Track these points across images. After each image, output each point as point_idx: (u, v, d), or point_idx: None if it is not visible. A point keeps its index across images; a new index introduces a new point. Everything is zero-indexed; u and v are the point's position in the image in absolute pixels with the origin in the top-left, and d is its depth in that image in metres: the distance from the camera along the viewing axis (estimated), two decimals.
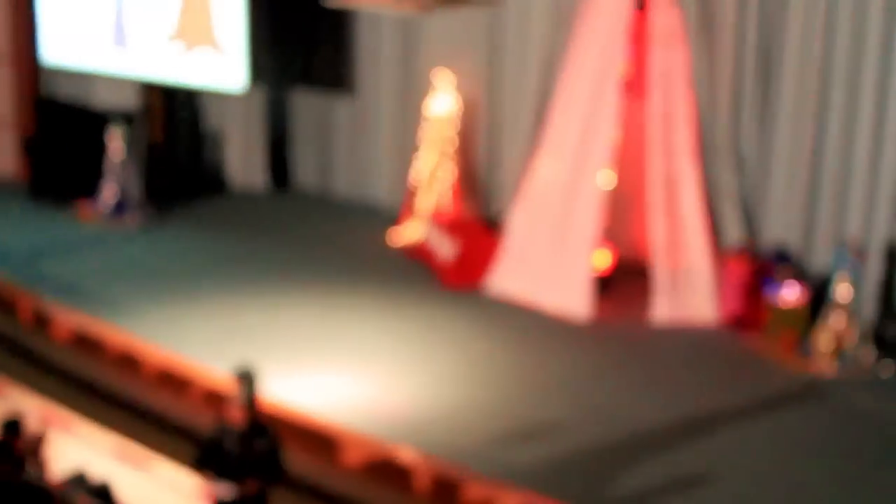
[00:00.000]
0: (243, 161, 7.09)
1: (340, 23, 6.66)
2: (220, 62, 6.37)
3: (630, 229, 5.62)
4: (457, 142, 6.12)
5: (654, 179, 5.38)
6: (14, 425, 3.47)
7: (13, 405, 4.38)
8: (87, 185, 6.60)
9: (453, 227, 5.92)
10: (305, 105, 7.01)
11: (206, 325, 5.16)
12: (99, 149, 6.52)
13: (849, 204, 5.22)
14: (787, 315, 5.12)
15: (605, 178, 5.40)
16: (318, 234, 6.42)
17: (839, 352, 4.98)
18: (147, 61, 6.63)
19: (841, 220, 5.25)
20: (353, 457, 4.32)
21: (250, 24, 6.29)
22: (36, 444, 3.49)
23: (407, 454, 4.20)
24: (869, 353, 4.99)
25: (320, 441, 4.37)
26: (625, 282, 5.57)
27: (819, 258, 5.31)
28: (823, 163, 5.28)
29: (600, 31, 5.35)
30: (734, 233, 5.46)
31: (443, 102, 6.13)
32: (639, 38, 5.36)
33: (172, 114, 7.08)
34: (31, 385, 4.85)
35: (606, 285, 5.52)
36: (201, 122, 7.16)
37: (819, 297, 5.09)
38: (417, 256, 5.98)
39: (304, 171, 7.09)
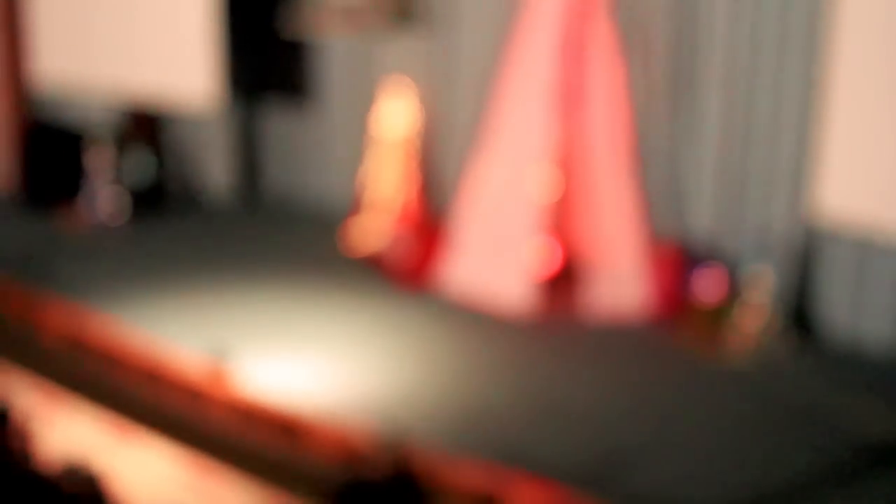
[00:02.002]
0: (216, 173, 6.98)
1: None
2: (191, 74, 6.31)
3: (576, 227, 5.59)
4: (419, 146, 6.05)
5: (594, 180, 5.33)
6: (2, 417, 3.34)
7: (1, 398, 4.28)
8: (73, 197, 6.50)
9: (414, 229, 5.84)
10: (272, 116, 6.90)
11: (188, 318, 5.11)
12: (84, 164, 6.43)
13: (774, 199, 5.18)
14: (709, 311, 5.05)
15: (544, 179, 5.35)
16: (287, 241, 6.29)
17: (759, 342, 4.93)
18: (125, 75, 6.55)
19: (767, 210, 5.20)
20: (319, 441, 4.29)
21: (221, 35, 6.24)
22: (25, 435, 3.36)
23: (369, 437, 4.16)
24: (788, 340, 4.97)
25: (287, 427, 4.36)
26: (572, 278, 5.51)
27: (745, 249, 5.25)
28: (748, 163, 5.23)
29: (536, 42, 5.31)
30: (665, 227, 5.42)
31: (403, 109, 6.05)
32: (578, 49, 5.33)
33: (150, 130, 6.96)
34: (20, 378, 4.74)
35: (554, 281, 5.45)
36: (176, 139, 7.06)
37: (741, 289, 5.04)
38: (376, 259, 5.89)
39: (274, 182, 6.98)
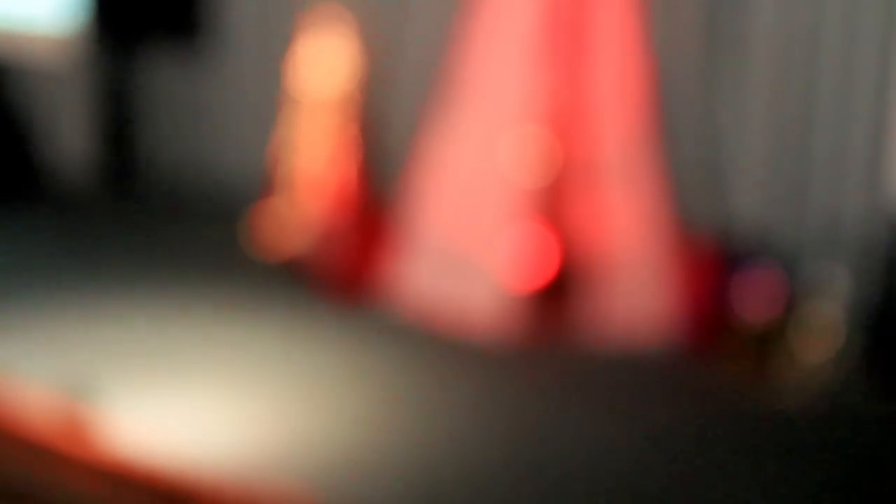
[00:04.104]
0: (74, 144, 7.00)
1: None
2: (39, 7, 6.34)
3: (575, 218, 5.52)
4: (358, 106, 6.07)
5: (601, 153, 5.30)
6: None
7: None
8: None
9: (352, 220, 5.88)
10: (153, 66, 6.92)
11: (34, 344, 5.00)
12: None
13: (845, 178, 5.19)
14: (757, 330, 5.07)
15: (532, 152, 5.31)
16: (172, 237, 6.37)
17: (826, 374, 4.91)
18: None
19: (835, 197, 5.21)
20: None
21: None
22: None
23: None
24: (866, 371, 4.91)
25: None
26: (570, 287, 5.45)
27: (808, 246, 5.26)
28: (813, 128, 5.26)
29: None
30: (699, 217, 5.42)
31: (336, 54, 6.03)
32: None
33: None
34: None
35: (546, 292, 5.42)
36: (17, 97, 7.04)
37: (801, 300, 5.05)
38: (298, 262, 5.92)
39: (152, 156, 7.03)
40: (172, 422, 4.47)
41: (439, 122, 5.55)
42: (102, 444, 4.21)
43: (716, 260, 5.29)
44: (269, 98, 6.36)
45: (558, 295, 5.43)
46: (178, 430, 4.42)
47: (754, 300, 5.09)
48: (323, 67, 6.04)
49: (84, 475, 4.16)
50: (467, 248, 5.42)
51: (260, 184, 6.37)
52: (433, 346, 5.22)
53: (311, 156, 6.07)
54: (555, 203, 5.45)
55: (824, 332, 4.95)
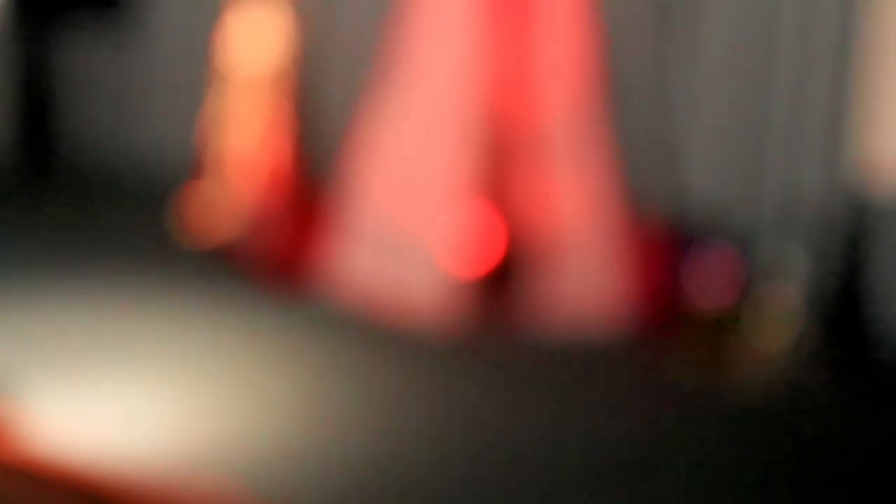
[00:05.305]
0: None
1: None
2: None
3: (521, 198, 5.51)
4: (292, 83, 6.03)
5: (547, 129, 5.30)
6: None
7: None
8: None
9: (286, 203, 5.87)
10: (71, 41, 6.87)
11: None
12: None
13: (803, 155, 5.20)
14: (712, 315, 5.08)
15: (475, 128, 5.30)
16: (94, 222, 6.33)
17: (785, 361, 4.92)
18: None
19: (793, 175, 5.21)
20: None
21: None
22: None
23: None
24: (827, 358, 4.94)
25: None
26: (515, 272, 5.47)
27: (764, 226, 5.26)
28: (769, 102, 5.25)
29: None
30: (651, 196, 5.41)
31: (269, 27, 5.99)
32: None
33: None
34: None
35: (490, 277, 5.43)
36: None
37: (758, 283, 5.06)
38: (229, 249, 5.90)
39: (73, 137, 6.96)
40: (96, 418, 4.42)
41: (377, 98, 5.51)
42: (22, 443, 4.13)
43: (668, 241, 5.30)
44: (197, 74, 6.28)
45: (504, 279, 5.43)
46: (102, 426, 4.36)
47: (708, 283, 5.10)
48: (254, 42, 5.98)
49: (2, 475, 4.15)
50: (408, 231, 5.41)
51: (188, 166, 6.30)
52: (373, 335, 5.20)
53: (242, 136, 6.03)
54: (499, 183, 5.42)
55: (782, 316, 4.97)
